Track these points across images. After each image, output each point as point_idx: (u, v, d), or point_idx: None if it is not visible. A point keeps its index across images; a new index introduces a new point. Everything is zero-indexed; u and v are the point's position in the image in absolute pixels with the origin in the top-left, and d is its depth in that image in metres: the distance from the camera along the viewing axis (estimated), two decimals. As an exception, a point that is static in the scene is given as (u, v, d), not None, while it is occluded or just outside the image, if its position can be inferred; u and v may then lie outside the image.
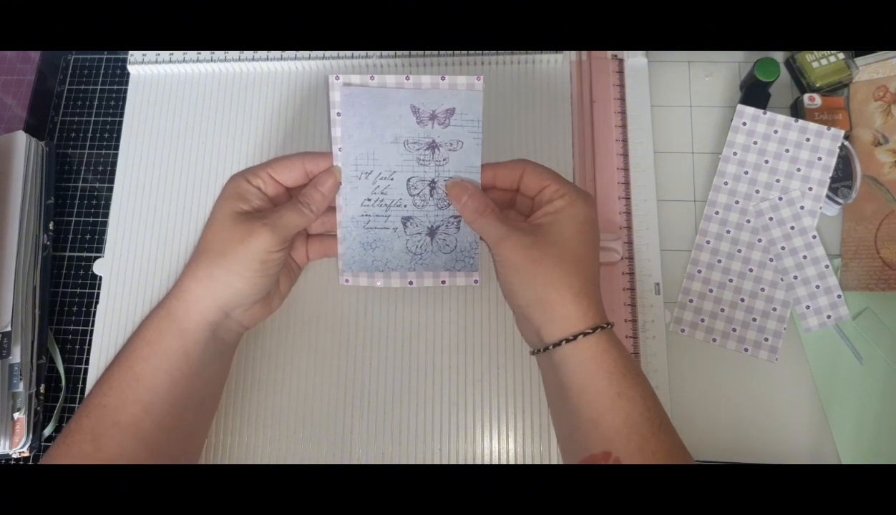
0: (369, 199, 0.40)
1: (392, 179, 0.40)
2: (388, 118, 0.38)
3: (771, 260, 0.45)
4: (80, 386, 0.45)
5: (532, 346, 0.39)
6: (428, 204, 0.40)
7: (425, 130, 0.39)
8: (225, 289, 0.36)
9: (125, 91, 0.50)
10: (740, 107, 0.46)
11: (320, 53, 0.48)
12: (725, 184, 0.46)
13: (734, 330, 0.44)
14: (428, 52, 0.48)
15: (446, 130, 0.39)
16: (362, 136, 0.39)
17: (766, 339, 0.44)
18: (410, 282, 0.42)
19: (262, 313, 0.41)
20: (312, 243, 0.43)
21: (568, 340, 0.34)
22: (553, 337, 0.35)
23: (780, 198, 0.45)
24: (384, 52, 0.48)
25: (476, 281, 0.42)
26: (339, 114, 0.38)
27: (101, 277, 0.46)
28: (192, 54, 0.49)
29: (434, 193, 0.40)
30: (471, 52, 0.48)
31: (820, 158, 0.45)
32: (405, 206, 0.40)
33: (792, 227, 0.45)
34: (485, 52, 0.48)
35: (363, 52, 0.48)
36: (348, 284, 0.42)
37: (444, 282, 0.42)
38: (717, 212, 0.46)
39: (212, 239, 0.37)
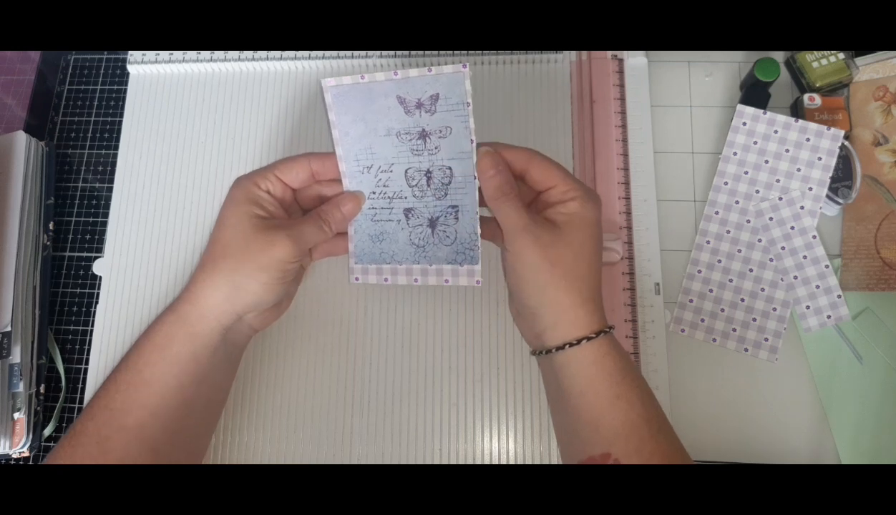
0: (374, 192, 0.40)
1: (391, 171, 0.40)
2: (378, 111, 0.38)
3: (771, 260, 0.45)
4: (80, 386, 0.45)
5: (532, 346, 0.39)
6: (426, 194, 0.40)
7: (414, 120, 0.38)
8: (245, 295, 0.36)
9: (125, 91, 0.50)
10: (740, 107, 0.46)
11: (320, 53, 0.48)
12: (725, 184, 0.46)
13: (734, 330, 0.44)
14: (428, 52, 0.48)
15: (434, 117, 0.38)
16: (357, 133, 0.39)
17: (766, 339, 0.44)
18: (416, 280, 0.42)
19: (273, 316, 0.41)
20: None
21: (572, 344, 0.34)
22: (557, 341, 0.35)
23: (780, 198, 0.45)
24: (384, 52, 0.48)
25: (478, 282, 0.42)
26: (333, 115, 0.39)
27: (100, 277, 0.46)
28: (191, 54, 0.49)
29: (431, 183, 0.40)
30: (471, 51, 0.48)
31: (820, 158, 0.45)
32: (406, 198, 0.40)
33: (792, 227, 0.45)
34: (485, 51, 0.48)
35: (363, 53, 0.48)
36: (358, 282, 0.42)
37: (447, 281, 0.42)
38: (717, 212, 0.46)
39: (229, 243, 0.36)
